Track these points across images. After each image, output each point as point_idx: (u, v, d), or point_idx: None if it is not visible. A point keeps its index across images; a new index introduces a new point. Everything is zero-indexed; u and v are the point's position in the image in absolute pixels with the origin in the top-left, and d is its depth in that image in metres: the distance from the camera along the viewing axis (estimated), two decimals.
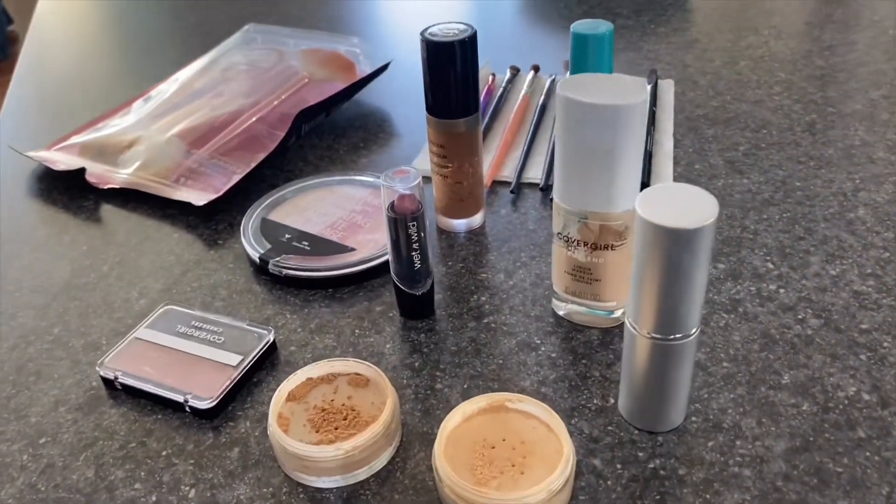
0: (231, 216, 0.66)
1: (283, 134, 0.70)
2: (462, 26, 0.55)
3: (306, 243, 0.59)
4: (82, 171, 0.70)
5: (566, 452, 0.41)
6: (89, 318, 0.56)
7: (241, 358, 0.49)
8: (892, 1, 0.99)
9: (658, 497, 0.41)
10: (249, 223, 0.61)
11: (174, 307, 0.54)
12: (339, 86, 0.77)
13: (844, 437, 0.43)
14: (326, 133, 0.78)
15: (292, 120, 0.71)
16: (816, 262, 0.56)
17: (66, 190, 0.71)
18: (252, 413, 0.47)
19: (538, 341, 0.51)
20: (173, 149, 0.70)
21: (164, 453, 0.45)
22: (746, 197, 0.63)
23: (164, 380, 0.48)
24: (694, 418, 0.45)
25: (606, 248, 0.48)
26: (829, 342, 0.50)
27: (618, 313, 0.52)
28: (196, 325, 0.52)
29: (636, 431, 0.45)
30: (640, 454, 0.43)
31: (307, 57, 0.81)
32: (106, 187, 0.69)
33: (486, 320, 0.53)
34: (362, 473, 0.43)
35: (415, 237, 0.50)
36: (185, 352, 0.50)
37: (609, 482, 0.42)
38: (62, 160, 0.72)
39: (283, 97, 0.76)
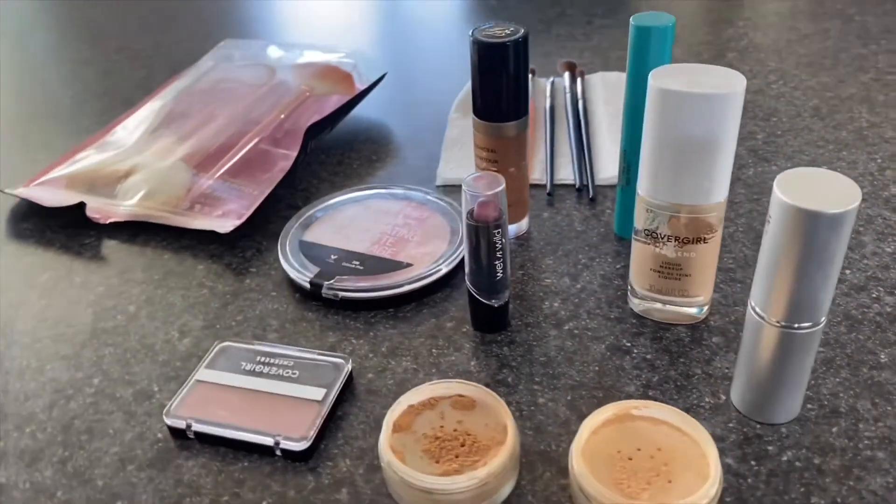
0: (256, 241, 0.61)
1: (293, 151, 0.67)
2: (511, 27, 0.53)
3: (357, 262, 0.55)
4: (78, 206, 0.64)
5: (711, 453, 0.39)
6: (130, 365, 0.50)
7: (324, 391, 0.46)
8: None
9: (803, 489, 0.40)
10: (287, 247, 0.57)
11: (231, 343, 0.50)
12: (342, 98, 0.73)
13: None
14: (333, 148, 0.74)
15: (303, 135, 0.67)
16: (870, 242, 0.57)
17: (62, 228, 0.64)
18: (349, 450, 0.44)
19: (628, 344, 0.49)
20: (180, 174, 0.65)
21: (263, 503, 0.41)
22: None
23: (245, 423, 0.44)
24: (809, 406, 0.44)
25: (698, 241, 0.47)
26: None
27: (705, 308, 0.51)
28: (263, 360, 0.48)
29: (758, 426, 0.44)
30: (770, 448, 0.42)
31: (302, 71, 0.77)
32: (108, 222, 0.63)
33: (566, 327, 0.51)
34: (496, 501, 0.40)
35: (499, 245, 0.47)
36: (259, 390, 0.46)
37: (749, 480, 0.40)
38: (50, 196, 0.65)
39: (286, 113, 0.71)
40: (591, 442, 0.41)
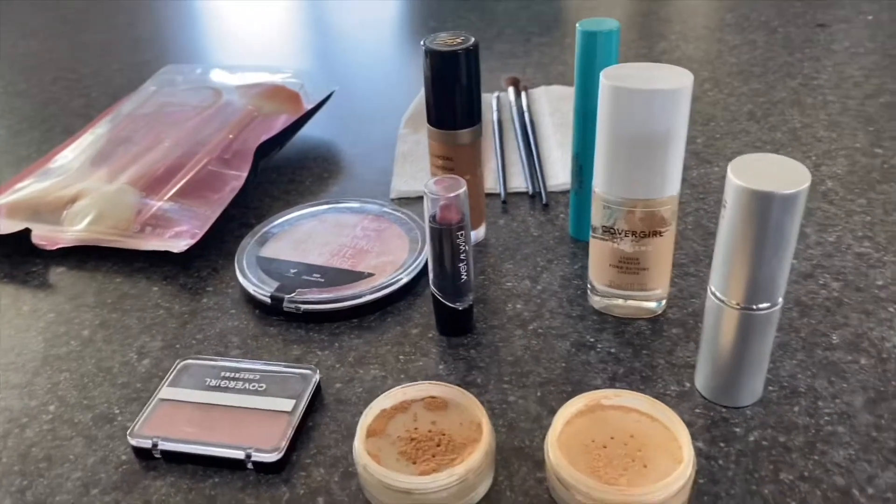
0: (211, 261, 0.60)
1: (242, 171, 0.66)
2: (461, 36, 0.54)
3: (317, 275, 0.55)
4: (22, 235, 0.62)
5: (683, 437, 0.40)
6: (88, 389, 0.49)
7: (293, 402, 0.45)
8: (774, 4, 1.09)
9: (772, 467, 0.41)
10: (244, 263, 0.56)
11: (193, 361, 0.48)
12: (290, 118, 0.73)
13: None
14: (283, 167, 0.73)
15: (253, 154, 0.67)
16: (812, 233, 0.59)
17: (5, 257, 0.62)
18: (322, 459, 0.43)
19: (592, 339, 0.50)
20: (128, 197, 0.64)
21: None
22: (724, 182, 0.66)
23: (214, 438, 0.43)
24: (770, 387, 0.46)
25: (654, 234, 0.48)
26: (856, 300, 0.52)
27: (663, 302, 0.52)
28: (227, 375, 0.47)
29: (724, 409, 0.45)
30: (738, 430, 0.43)
31: (248, 92, 0.77)
32: (55, 248, 0.61)
33: (531, 327, 0.52)
34: (475, 498, 0.40)
35: (462, 247, 0.47)
36: (226, 405, 0.45)
37: (720, 461, 0.41)
38: None
39: (234, 134, 0.71)
40: (565, 433, 0.41)
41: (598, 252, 0.51)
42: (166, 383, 0.47)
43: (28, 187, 0.67)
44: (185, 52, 1.10)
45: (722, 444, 0.42)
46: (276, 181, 0.71)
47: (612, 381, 0.47)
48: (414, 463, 0.40)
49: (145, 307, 0.56)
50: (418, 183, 0.69)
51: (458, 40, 0.53)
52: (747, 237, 0.39)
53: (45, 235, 0.62)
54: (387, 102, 0.86)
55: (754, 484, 0.40)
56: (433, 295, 0.50)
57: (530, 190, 0.66)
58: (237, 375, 0.47)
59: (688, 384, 0.47)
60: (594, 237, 0.51)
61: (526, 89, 0.84)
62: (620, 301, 0.52)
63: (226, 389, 0.46)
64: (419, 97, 0.82)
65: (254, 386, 0.46)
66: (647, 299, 0.51)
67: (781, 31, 1.00)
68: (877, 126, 0.74)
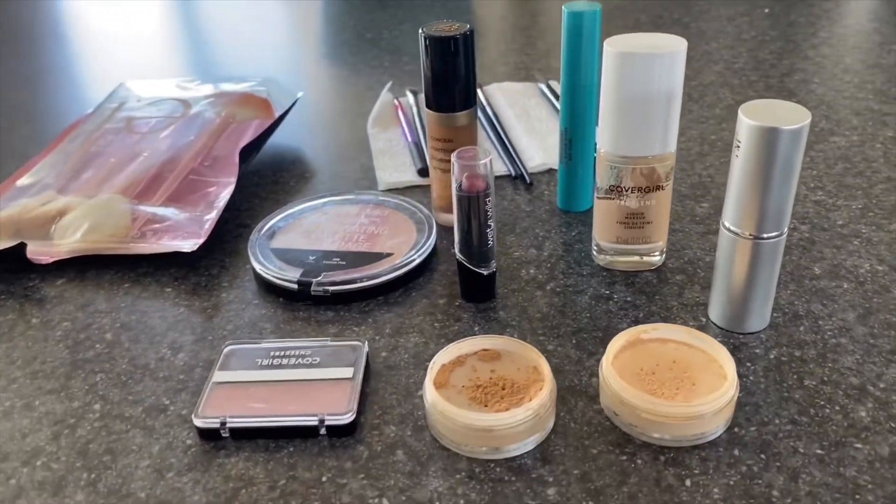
0: (217, 259, 0.61)
1: (227, 177, 0.67)
2: (455, 23, 0.57)
3: (337, 259, 0.57)
4: (13, 250, 0.60)
5: (723, 356, 0.45)
6: (129, 386, 0.48)
7: (351, 369, 0.47)
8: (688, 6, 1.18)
9: (795, 376, 0.46)
10: (259, 256, 0.57)
11: (238, 346, 0.49)
12: (263, 123, 0.74)
13: (889, 298, 0.52)
14: (263, 171, 0.74)
15: (238, 157, 0.68)
16: None
17: None
18: (389, 418, 0.45)
19: (607, 291, 0.54)
20: (120, 205, 0.63)
21: (324, 479, 0.41)
22: (690, 153, 0.73)
23: (282, 410, 0.44)
24: (774, 314, 0.51)
25: (657, 188, 0.53)
26: (825, 238, 0.59)
27: (663, 255, 0.57)
28: (277, 354, 0.48)
29: (740, 336, 0.50)
30: (758, 350, 0.48)
31: (219, 100, 0.77)
32: (52, 261, 0.60)
33: (548, 287, 0.55)
34: (546, 431, 0.43)
35: (490, 213, 0.51)
36: (285, 380, 0.46)
37: (751, 378, 0.46)
38: None
39: (212, 141, 0.71)
40: (613, 367, 0.45)
41: (604, 211, 0.55)
42: (216, 368, 0.47)
43: (2, 209, 0.65)
44: (134, 71, 1.07)
45: (748, 364, 0.47)
46: (259, 184, 0.72)
47: (636, 323, 0.51)
48: (485, 406, 0.43)
49: (164, 307, 0.56)
50: (403, 174, 0.71)
51: (455, 27, 0.57)
52: (759, 171, 0.44)
53: (37, 250, 0.61)
54: (347, 105, 0.88)
55: (785, 392, 0.45)
56: (459, 262, 0.53)
57: (513, 172, 0.70)
58: (287, 353, 0.48)
59: (703, 319, 0.51)
60: (599, 198, 0.55)
61: (480, 86, 0.88)
62: (624, 257, 0.56)
63: (280, 367, 0.47)
64: (382, 97, 0.85)
65: (307, 360, 0.47)
66: (650, 252, 0.56)
67: (694, 25, 1.09)
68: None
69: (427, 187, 0.70)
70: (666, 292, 0.54)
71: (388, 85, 0.87)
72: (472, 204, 0.50)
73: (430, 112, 0.59)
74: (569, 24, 0.57)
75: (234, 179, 0.68)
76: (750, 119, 0.43)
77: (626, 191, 0.53)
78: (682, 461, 0.41)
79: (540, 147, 0.75)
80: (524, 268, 0.58)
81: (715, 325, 0.51)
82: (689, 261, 0.57)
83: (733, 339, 0.49)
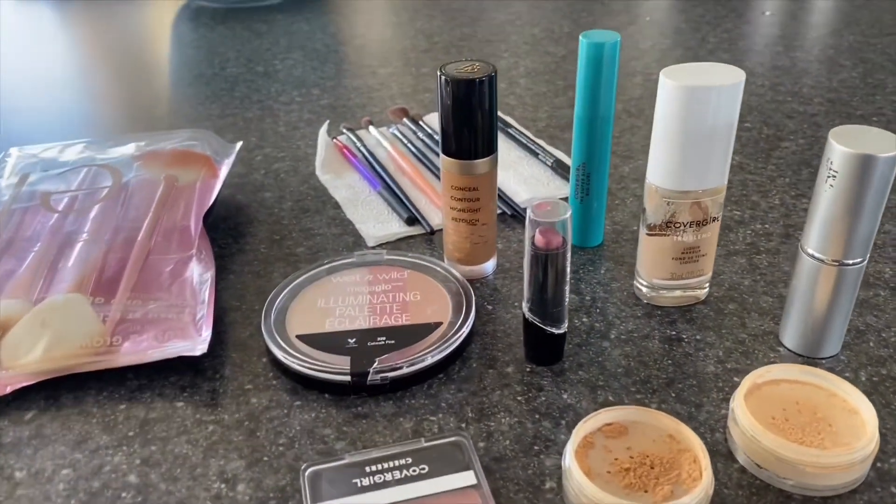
0: (221, 355, 0.51)
1: (183, 252, 0.57)
2: (478, 62, 0.52)
3: (383, 338, 0.50)
4: None
5: (843, 388, 0.44)
6: None
7: (471, 472, 0.41)
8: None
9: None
10: (283, 347, 0.49)
11: (318, 467, 0.41)
12: (213, 182, 0.65)
13: None
14: (220, 237, 0.65)
15: (200, 230, 0.59)
16: None
17: None
18: None
19: (673, 333, 0.52)
20: (83, 308, 0.52)
21: None
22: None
23: None
24: None
25: (713, 220, 0.52)
26: None
27: (708, 286, 0.55)
28: (374, 469, 0.41)
29: (823, 360, 0.49)
30: (848, 374, 0.48)
31: (153, 163, 0.66)
32: (10, 391, 0.48)
33: (612, 336, 0.52)
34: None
35: (568, 270, 0.46)
36: (401, 501, 0.39)
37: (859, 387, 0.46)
38: None
39: (165, 212, 0.61)
40: (749, 419, 0.42)
41: (656, 248, 0.53)
42: (309, 501, 0.39)
43: None
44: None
45: (861, 375, 0.47)
46: (224, 255, 0.63)
47: (722, 364, 0.49)
48: (646, 492, 0.39)
49: (187, 428, 0.46)
50: (388, 225, 0.65)
51: (477, 67, 0.52)
52: (851, 198, 0.44)
53: None
54: (278, 151, 0.79)
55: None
56: (529, 323, 0.48)
57: (509, 211, 0.66)
58: (385, 465, 0.41)
59: (779, 348, 0.50)
60: (651, 234, 0.52)
61: (420, 118, 0.83)
62: (665, 292, 0.54)
63: (385, 484, 0.40)
64: (322, 140, 0.77)
65: (413, 471, 0.41)
66: (701, 285, 0.54)
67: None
68: None
69: (419, 236, 0.64)
70: (729, 325, 0.53)
71: (325, 125, 0.79)
72: (549, 261, 0.46)
73: (448, 159, 0.54)
74: (588, 54, 0.54)
75: (192, 253, 0.58)
76: (844, 146, 0.42)
77: (682, 226, 0.51)
78: None
79: (517, 179, 0.71)
80: (574, 318, 0.54)
81: (792, 352, 0.50)
82: (730, 287, 0.56)
83: (818, 366, 0.49)
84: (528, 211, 0.45)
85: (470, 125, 0.52)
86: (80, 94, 1.02)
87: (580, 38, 0.54)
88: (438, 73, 0.51)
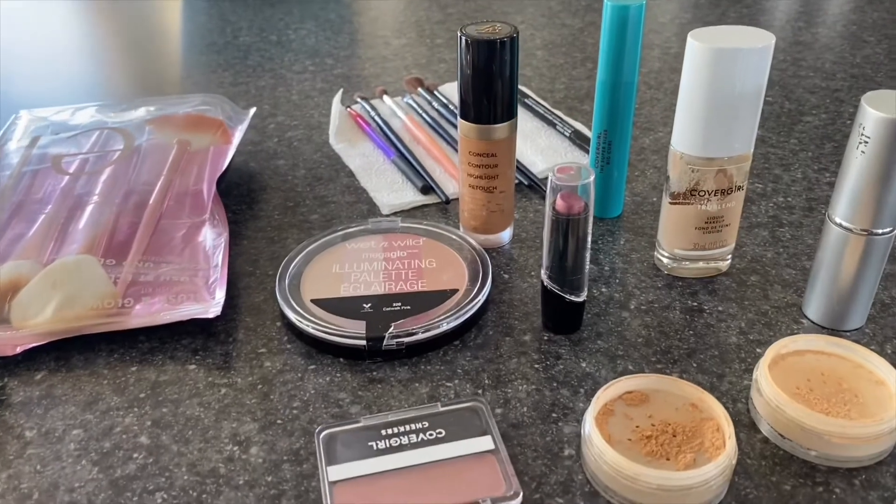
0: (234, 320, 0.51)
1: (196, 217, 0.56)
2: (499, 23, 0.51)
3: (399, 304, 0.49)
4: None
5: (870, 360, 0.43)
6: (205, 501, 0.38)
7: (489, 438, 0.40)
8: None
9: None
10: (298, 311, 0.48)
11: (334, 429, 0.41)
12: (227, 147, 0.64)
13: None
14: (234, 204, 0.64)
15: (213, 195, 0.58)
16: None
17: None
18: (550, 489, 0.39)
19: (695, 303, 0.51)
20: (94, 269, 0.51)
21: None
22: None
23: (432, 501, 0.36)
24: None
25: (738, 189, 0.50)
26: None
27: (730, 257, 0.54)
28: (390, 432, 0.40)
29: (848, 332, 0.48)
30: (874, 347, 0.47)
31: (166, 125, 0.65)
32: (20, 351, 0.47)
33: (632, 306, 0.51)
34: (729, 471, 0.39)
35: (589, 235, 0.45)
36: (418, 464, 0.38)
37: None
38: None
39: (178, 176, 0.60)
40: (773, 389, 0.41)
41: (680, 217, 0.51)
42: (324, 463, 0.39)
43: None
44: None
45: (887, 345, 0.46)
46: (238, 221, 0.62)
47: (745, 335, 0.48)
48: (669, 460, 0.38)
49: (199, 391, 0.45)
50: (402, 194, 0.64)
51: (498, 28, 0.50)
52: (884, 163, 0.42)
53: None
54: (291, 119, 0.78)
55: None
56: (548, 290, 0.47)
57: (523, 181, 0.65)
58: (401, 429, 0.40)
59: (803, 320, 0.49)
60: (674, 203, 0.51)
61: (436, 87, 0.81)
62: (688, 263, 0.53)
63: (401, 448, 0.39)
64: (335, 108, 0.76)
65: (430, 434, 0.40)
66: (724, 256, 0.53)
67: None
68: None
69: (434, 205, 0.63)
70: (751, 296, 0.51)
71: (339, 94, 0.78)
72: (570, 227, 0.45)
73: (466, 123, 0.53)
74: (613, 17, 0.52)
75: (205, 217, 0.57)
76: (878, 111, 0.41)
77: (707, 194, 0.50)
78: (879, 482, 0.38)
79: (534, 149, 0.70)
80: (594, 287, 0.53)
81: (816, 324, 0.49)
82: (752, 259, 0.55)
83: (843, 337, 0.47)
84: (550, 175, 0.44)
85: (490, 89, 0.51)
86: (91, 60, 1.01)
87: (605, 1, 0.52)
88: (459, 34, 0.50)
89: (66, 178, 0.60)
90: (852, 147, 0.43)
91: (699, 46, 0.46)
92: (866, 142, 0.42)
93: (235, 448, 0.41)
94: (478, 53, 0.50)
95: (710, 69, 0.46)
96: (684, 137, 0.49)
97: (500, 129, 0.53)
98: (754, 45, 0.46)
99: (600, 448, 0.38)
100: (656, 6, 1.10)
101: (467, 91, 0.51)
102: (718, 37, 0.46)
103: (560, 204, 0.44)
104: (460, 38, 0.50)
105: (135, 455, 0.41)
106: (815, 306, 0.49)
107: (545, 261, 0.47)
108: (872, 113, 0.41)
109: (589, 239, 0.45)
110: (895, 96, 0.43)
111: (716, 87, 0.47)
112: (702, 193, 0.50)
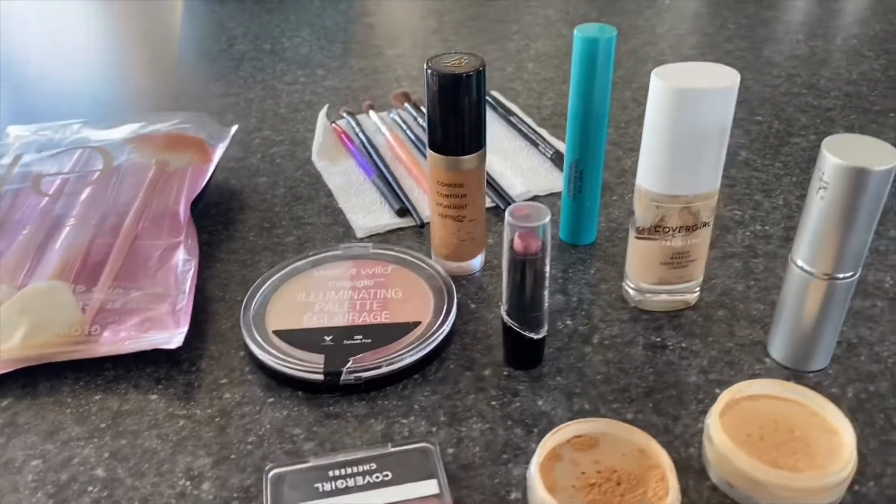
0: (199, 347, 0.51)
1: (171, 238, 0.57)
2: (466, 56, 0.51)
3: (360, 336, 0.49)
4: None
5: (823, 406, 0.42)
6: None
7: (434, 482, 0.40)
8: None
9: (882, 415, 0.45)
10: (260, 343, 0.49)
11: (282, 469, 0.41)
12: (206, 167, 0.64)
13: None
14: (209, 224, 0.64)
15: (188, 216, 0.58)
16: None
17: None
18: None
19: (658, 339, 0.51)
20: (63, 295, 0.52)
21: None
22: None
23: None
24: None
25: (704, 225, 0.50)
26: None
27: (698, 290, 0.54)
28: (337, 474, 0.41)
29: (811, 374, 0.48)
30: (835, 390, 0.47)
31: (145, 147, 0.66)
32: None
33: (595, 340, 0.51)
34: None
35: (547, 275, 0.45)
36: None
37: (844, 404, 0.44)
38: None
39: (154, 197, 0.60)
40: (723, 437, 0.41)
41: (645, 252, 0.51)
42: (269, 503, 0.39)
43: None
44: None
45: (848, 389, 0.45)
46: (212, 242, 0.62)
47: (705, 375, 0.48)
48: None
49: (158, 422, 0.46)
50: (379, 216, 0.64)
51: (465, 61, 0.50)
52: (844, 211, 0.42)
53: None
54: (276, 134, 0.78)
55: (883, 435, 0.43)
56: (508, 328, 0.47)
57: (503, 205, 0.65)
58: (348, 471, 0.41)
59: (766, 360, 0.49)
60: (639, 238, 0.51)
61: (422, 103, 0.81)
62: (651, 295, 0.53)
63: (347, 490, 0.40)
64: (320, 123, 0.76)
65: (377, 477, 0.40)
66: (692, 290, 0.53)
67: (604, 19, 1.07)
68: None
69: (409, 228, 0.63)
70: (717, 332, 0.51)
71: (325, 109, 0.78)
72: (528, 266, 0.45)
73: (435, 154, 0.53)
74: (582, 50, 0.52)
75: (180, 239, 0.58)
76: (836, 158, 0.41)
77: (671, 231, 0.50)
78: None
79: (514, 170, 0.70)
80: (558, 318, 0.53)
81: (779, 364, 0.49)
82: (722, 292, 0.55)
83: (805, 380, 0.47)
84: (507, 214, 0.44)
85: (456, 121, 0.51)
86: (86, 68, 1.01)
87: (575, 32, 0.52)
88: (425, 67, 0.50)
89: (46, 199, 0.61)
90: (813, 191, 0.43)
91: (663, 85, 0.45)
92: (825, 188, 0.42)
93: (188, 483, 0.42)
94: (443, 86, 0.50)
95: (674, 108, 0.46)
96: (648, 174, 0.49)
97: (468, 160, 0.53)
98: (719, 84, 0.45)
99: (542, 497, 0.38)
100: (654, 15, 1.09)
101: (435, 123, 0.51)
102: (683, 74, 0.46)
103: (518, 243, 0.44)
104: (426, 71, 0.50)
105: (89, 488, 0.42)
106: (778, 346, 0.49)
107: (504, 296, 0.47)
108: (831, 159, 0.41)
109: (547, 278, 0.46)
110: (858, 141, 0.42)
111: (679, 126, 0.46)
112: (666, 230, 0.50)
